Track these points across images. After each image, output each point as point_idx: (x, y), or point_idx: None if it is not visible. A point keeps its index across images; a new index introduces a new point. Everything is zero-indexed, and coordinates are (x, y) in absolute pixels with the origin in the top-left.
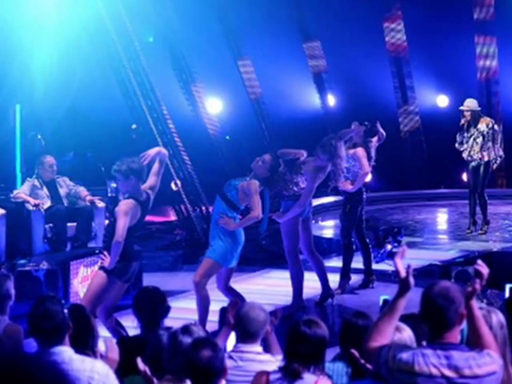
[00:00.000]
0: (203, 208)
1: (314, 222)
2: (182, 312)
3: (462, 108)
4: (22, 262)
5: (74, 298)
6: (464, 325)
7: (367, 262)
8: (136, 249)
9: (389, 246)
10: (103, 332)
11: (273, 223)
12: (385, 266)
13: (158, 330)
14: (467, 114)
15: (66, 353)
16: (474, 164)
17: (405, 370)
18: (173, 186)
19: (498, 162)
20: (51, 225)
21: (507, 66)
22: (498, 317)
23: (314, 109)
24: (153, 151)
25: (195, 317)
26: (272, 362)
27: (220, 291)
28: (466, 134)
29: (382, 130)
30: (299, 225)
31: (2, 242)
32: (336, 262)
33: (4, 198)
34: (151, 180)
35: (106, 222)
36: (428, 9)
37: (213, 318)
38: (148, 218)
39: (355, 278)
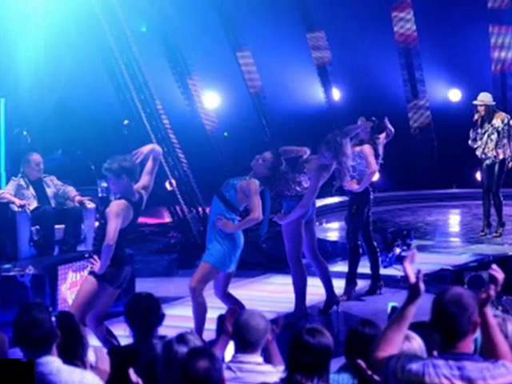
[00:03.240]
0: (200, 209)
1: (317, 223)
2: (177, 320)
3: (475, 102)
4: (7, 266)
5: (62, 304)
6: (478, 333)
7: (374, 267)
8: (128, 252)
9: (397, 250)
10: (93, 341)
11: (274, 225)
12: (393, 271)
13: (151, 338)
14: (481, 108)
15: (53, 363)
16: (488, 162)
17: (414, 382)
18: (167, 185)
19: None
20: (38, 227)
21: None
22: None
23: (317, 103)
24: (146, 149)
25: (191, 325)
26: (273, 373)
27: (218, 298)
28: (479, 131)
29: (390, 126)
30: (302, 227)
31: None
32: (341, 267)
33: None
34: (144, 179)
35: (96, 223)
36: None
37: (210, 326)
38: (141, 219)
39: (362, 284)
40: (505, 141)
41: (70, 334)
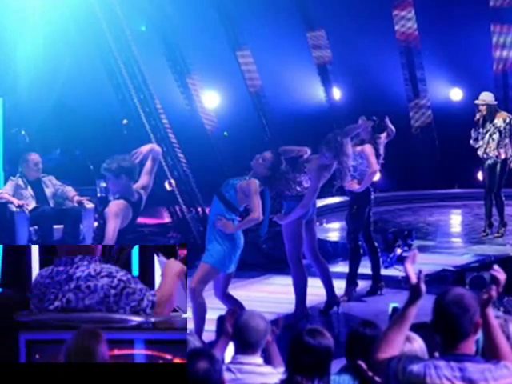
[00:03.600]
0: (199, 209)
1: (318, 224)
2: None
3: (477, 102)
4: None
5: None
6: (479, 334)
7: (375, 267)
8: None
9: (399, 250)
10: None
11: (274, 225)
12: (394, 272)
13: None
14: (483, 108)
15: None
16: (490, 162)
17: (416, 383)
18: (167, 185)
19: None
20: (36, 227)
21: None
22: None
23: (318, 103)
24: (145, 148)
25: (191, 326)
26: (273, 374)
27: (217, 298)
28: (481, 130)
29: (391, 126)
30: (302, 227)
31: None
32: (342, 267)
33: None
34: (143, 179)
35: (95, 224)
36: None
37: (210, 327)
38: (140, 219)
39: (362, 285)
40: (507, 140)
41: None
